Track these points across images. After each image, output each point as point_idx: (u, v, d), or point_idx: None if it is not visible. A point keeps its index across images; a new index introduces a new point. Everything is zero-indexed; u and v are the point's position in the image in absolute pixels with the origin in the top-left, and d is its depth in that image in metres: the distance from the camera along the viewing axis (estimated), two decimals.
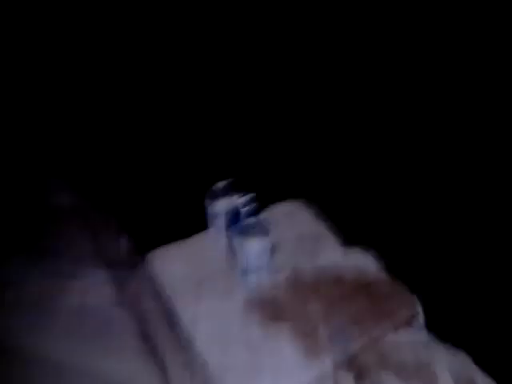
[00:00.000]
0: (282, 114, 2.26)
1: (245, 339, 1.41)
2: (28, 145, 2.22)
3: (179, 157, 2.19)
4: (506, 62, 1.60)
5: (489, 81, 1.66)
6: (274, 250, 1.55)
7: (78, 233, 1.52)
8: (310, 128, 2.18)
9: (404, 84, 1.97)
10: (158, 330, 1.57)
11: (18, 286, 1.52)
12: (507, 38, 1.57)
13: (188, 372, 1.43)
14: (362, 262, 1.63)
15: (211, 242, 1.69)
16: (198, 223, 1.66)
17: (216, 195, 1.65)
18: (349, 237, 1.71)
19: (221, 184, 1.68)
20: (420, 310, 1.50)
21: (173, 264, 1.61)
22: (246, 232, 1.51)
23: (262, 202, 1.65)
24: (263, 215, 1.66)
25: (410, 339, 1.43)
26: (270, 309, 1.48)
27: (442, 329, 1.47)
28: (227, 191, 1.66)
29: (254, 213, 1.61)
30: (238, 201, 1.62)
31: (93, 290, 1.35)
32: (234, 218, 1.60)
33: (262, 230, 1.52)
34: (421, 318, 1.51)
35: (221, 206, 1.63)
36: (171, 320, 1.50)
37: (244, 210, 1.61)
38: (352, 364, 1.37)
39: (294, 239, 1.71)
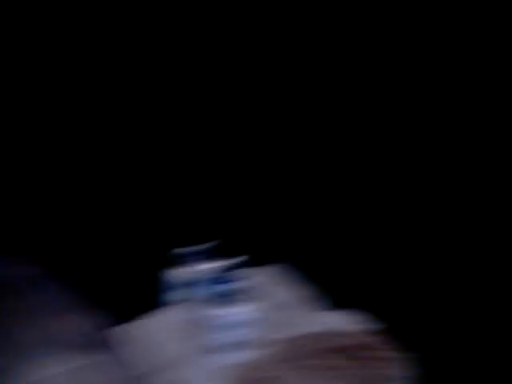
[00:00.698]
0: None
1: None
2: None
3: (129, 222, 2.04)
4: (506, 62, 1.51)
5: (489, 84, 1.57)
6: (254, 321, 1.40)
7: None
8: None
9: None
10: None
11: None
12: (507, 38, 1.49)
13: None
14: (352, 324, 1.48)
15: (173, 318, 1.53)
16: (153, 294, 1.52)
17: (176, 262, 1.51)
18: (336, 301, 1.56)
19: (180, 250, 1.54)
20: (422, 369, 1.34)
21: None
22: (223, 301, 1.36)
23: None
24: (239, 282, 1.51)
25: None
26: None
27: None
28: (189, 257, 1.52)
29: (227, 280, 1.46)
30: (205, 267, 1.48)
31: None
32: (203, 286, 1.44)
33: (243, 298, 1.36)
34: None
35: (184, 274, 1.48)
36: None
37: (213, 276, 1.45)
38: None
39: (276, 306, 1.56)
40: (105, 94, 2.17)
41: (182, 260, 1.51)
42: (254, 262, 1.62)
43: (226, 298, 1.36)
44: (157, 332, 1.50)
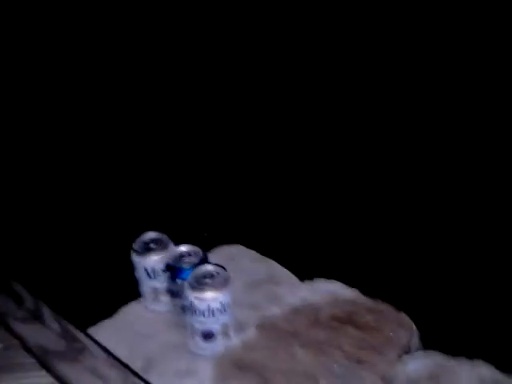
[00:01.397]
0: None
1: None
2: None
3: (97, 206, 1.84)
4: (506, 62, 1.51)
5: (489, 83, 1.56)
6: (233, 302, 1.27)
7: None
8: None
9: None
10: None
11: None
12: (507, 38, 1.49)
13: None
14: (331, 294, 1.40)
15: (149, 307, 1.38)
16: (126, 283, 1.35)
17: (144, 248, 1.34)
18: (305, 273, 1.48)
19: (147, 236, 1.38)
20: (415, 327, 1.30)
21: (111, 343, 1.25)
22: (196, 287, 1.21)
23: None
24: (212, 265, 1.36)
25: (421, 365, 1.20)
26: (252, 374, 1.18)
27: (442, 342, 1.27)
28: (157, 243, 1.36)
29: (199, 263, 1.31)
30: (176, 251, 1.33)
31: None
32: (177, 271, 1.29)
33: (217, 282, 1.23)
34: (417, 337, 1.30)
35: (155, 260, 1.32)
36: None
37: (186, 261, 1.31)
38: None
39: (245, 286, 1.44)
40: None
41: (148, 248, 1.35)
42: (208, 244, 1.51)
43: (204, 282, 1.22)
44: (138, 324, 1.33)
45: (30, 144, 2.01)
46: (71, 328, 1.02)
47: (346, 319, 1.29)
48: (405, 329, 1.27)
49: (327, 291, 1.39)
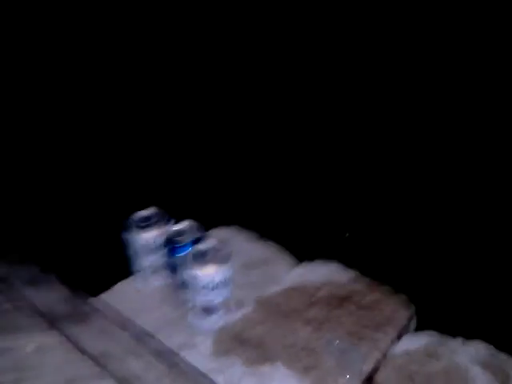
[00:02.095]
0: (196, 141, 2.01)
1: None
2: None
3: (94, 184, 1.81)
4: (506, 62, 1.53)
5: (489, 82, 1.58)
6: (230, 280, 1.26)
7: None
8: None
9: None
10: None
11: None
12: (507, 38, 1.51)
13: None
14: (330, 274, 1.40)
15: (145, 283, 1.36)
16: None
17: (143, 223, 1.32)
18: (302, 253, 1.47)
19: (141, 213, 1.36)
20: (413, 308, 1.30)
21: None
22: (199, 261, 1.20)
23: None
24: (209, 243, 1.34)
25: (419, 343, 1.21)
26: (252, 348, 1.18)
27: (441, 323, 1.27)
28: (152, 220, 1.34)
29: (199, 239, 1.30)
30: (176, 227, 1.31)
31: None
32: (177, 247, 1.27)
33: (219, 257, 1.22)
34: (415, 318, 1.31)
35: (154, 235, 1.30)
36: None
37: (183, 238, 1.29)
38: None
39: (243, 266, 1.43)
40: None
41: (147, 223, 1.33)
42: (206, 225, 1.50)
43: (202, 259, 1.21)
44: (134, 299, 1.31)
45: (30, 124, 1.99)
46: (77, 292, 0.99)
47: (345, 298, 1.29)
48: (404, 309, 1.28)
49: (326, 271, 1.39)
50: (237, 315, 1.25)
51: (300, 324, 1.22)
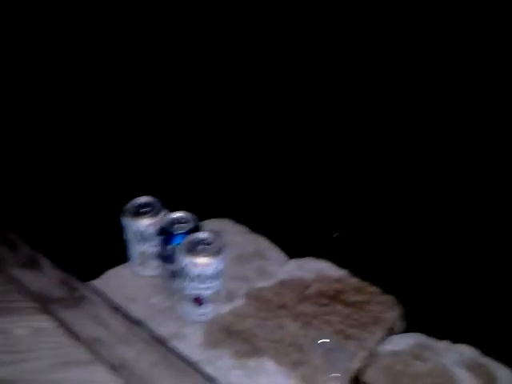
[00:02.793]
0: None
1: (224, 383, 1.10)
2: None
3: (92, 170, 1.81)
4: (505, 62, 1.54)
5: (488, 82, 1.59)
6: (223, 272, 1.26)
7: None
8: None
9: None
10: None
11: None
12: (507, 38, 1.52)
13: None
14: (321, 271, 1.41)
15: (137, 271, 1.36)
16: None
17: (137, 211, 1.32)
18: (293, 250, 1.48)
19: (139, 200, 1.36)
20: (401, 310, 1.32)
21: None
22: (192, 252, 1.20)
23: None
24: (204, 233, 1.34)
25: (406, 344, 1.23)
26: (241, 342, 1.19)
27: (427, 326, 1.29)
28: (147, 208, 1.34)
29: (193, 229, 1.30)
30: (170, 217, 1.31)
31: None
32: (171, 236, 1.28)
33: (212, 249, 1.22)
34: (403, 319, 1.32)
35: (147, 224, 1.30)
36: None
37: (180, 227, 1.29)
38: None
39: (235, 259, 1.44)
40: None
41: (141, 211, 1.33)
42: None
43: (199, 248, 1.21)
44: (125, 286, 1.31)
45: (31, 111, 1.98)
46: (71, 277, 1.00)
47: (334, 297, 1.30)
48: (392, 310, 1.29)
49: (316, 269, 1.40)
50: (227, 308, 1.26)
51: (288, 319, 1.23)
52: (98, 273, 1.35)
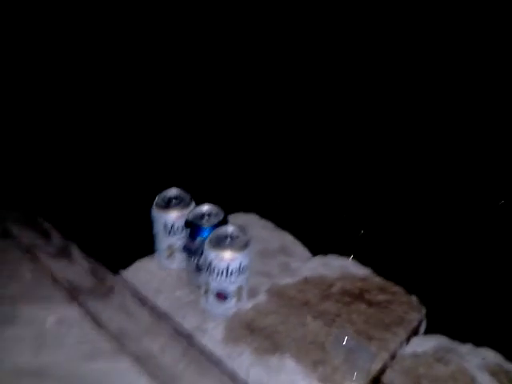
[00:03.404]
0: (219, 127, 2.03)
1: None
2: None
3: (124, 163, 1.83)
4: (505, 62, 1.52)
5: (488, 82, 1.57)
6: (248, 267, 1.27)
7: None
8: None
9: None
10: None
11: None
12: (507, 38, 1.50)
13: None
14: (344, 269, 1.41)
15: (163, 264, 1.38)
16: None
17: (166, 204, 1.34)
18: (317, 247, 1.48)
19: (170, 192, 1.37)
20: (424, 311, 1.31)
21: None
22: (218, 246, 1.21)
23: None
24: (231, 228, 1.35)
25: (428, 346, 1.22)
26: (262, 338, 1.19)
27: (451, 328, 1.28)
28: (174, 201, 1.35)
29: (220, 223, 1.31)
30: (198, 210, 1.32)
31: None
32: (197, 229, 1.29)
33: (238, 244, 1.23)
34: (426, 321, 1.32)
35: (175, 216, 1.31)
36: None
37: (207, 220, 1.30)
38: None
39: (259, 254, 1.44)
40: None
41: (170, 204, 1.34)
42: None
43: (225, 242, 1.22)
44: (150, 278, 1.33)
45: (70, 104, 2.00)
46: (101, 267, 1.01)
47: (357, 295, 1.30)
48: (415, 311, 1.29)
49: (340, 267, 1.40)
50: (249, 304, 1.27)
51: (311, 317, 1.24)
52: (126, 264, 1.38)
